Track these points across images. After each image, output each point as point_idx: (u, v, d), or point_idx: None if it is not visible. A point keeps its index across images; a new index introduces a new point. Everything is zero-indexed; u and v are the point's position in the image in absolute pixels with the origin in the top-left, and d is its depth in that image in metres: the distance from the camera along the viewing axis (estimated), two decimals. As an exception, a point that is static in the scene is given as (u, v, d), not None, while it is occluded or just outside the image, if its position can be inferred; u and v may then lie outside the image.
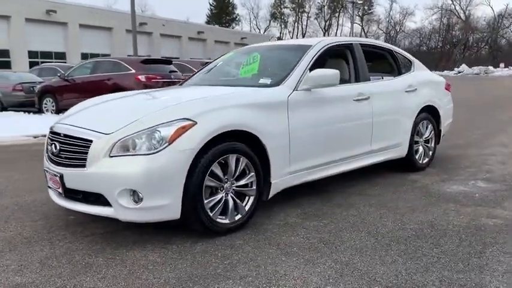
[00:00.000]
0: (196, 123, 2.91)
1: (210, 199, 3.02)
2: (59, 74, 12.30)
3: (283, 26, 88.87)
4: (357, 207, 3.76)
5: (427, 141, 5.11)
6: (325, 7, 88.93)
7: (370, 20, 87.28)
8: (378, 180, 4.64)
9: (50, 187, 3.33)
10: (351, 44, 4.39)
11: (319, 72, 3.66)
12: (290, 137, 3.47)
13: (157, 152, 2.78)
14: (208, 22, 76.49)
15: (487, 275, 2.49)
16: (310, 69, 3.75)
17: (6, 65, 25.46)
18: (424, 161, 5.07)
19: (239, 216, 3.20)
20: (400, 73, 4.90)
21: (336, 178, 4.57)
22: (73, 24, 29.36)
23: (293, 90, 3.60)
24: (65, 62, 24.99)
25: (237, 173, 3.15)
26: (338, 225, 3.33)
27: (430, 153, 5.16)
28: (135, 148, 2.83)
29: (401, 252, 2.81)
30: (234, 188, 3.17)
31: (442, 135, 5.49)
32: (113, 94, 4.15)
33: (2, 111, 13.59)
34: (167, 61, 11.94)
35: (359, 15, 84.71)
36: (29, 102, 13.60)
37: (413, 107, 4.77)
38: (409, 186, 4.43)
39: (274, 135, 3.35)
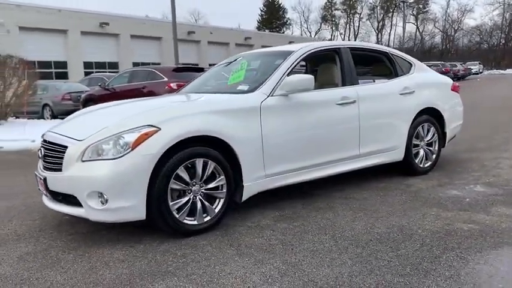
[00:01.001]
0: (159, 129, 3.09)
1: (177, 201, 3.19)
2: (99, 84, 13.04)
3: (334, 28, 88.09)
4: (335, 210, 3.78)
5: (429, 144, 4.99)
6: (378, 7, 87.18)
7: (425, 19, 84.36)
8: (371, 184, 4.60)
9: (40, 190, 3.65)
10: (338, 48, 4.41)
11: (294, 77, 3.73)
12: (263, 142, 3.57)
13: (121, 156, 2.99)
14: (258, 28, 77.37)
15: (429, 279, 2.47)
16: (290, 75, 3.83)
17: (64, 76, 27.21)
18: (426, 165, 4.96)
19: (208, 217, 3.34)
20: (397, 75, 4.84)
21: (328, 182, 4.60)
22: (124, 35, 30.86)
23: (268, 96, 3.69)
24: (117, 72, 26.32)
25: (205, 177, 3.30)
26: (307, 227, 3.38)
27: (433, 156, 5.03)
28: (103, 153, 3.05)
29: (354, 256, 2.82)
30: (203, 190, 3.32)
31: (450, 138, 5.33)
32: (107, 103, 4.44)
33: (52, 119, 14.60)
34: (199, 68, 12.30)
35: (413, 15, 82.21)
36: (76, 110, 14.47)
37: (409, 109, 4.69)
38: (400, 190, 4.36)
39: (245, 140, 3.46)
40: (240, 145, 3.43)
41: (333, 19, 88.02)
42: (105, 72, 24.81)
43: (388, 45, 77.16)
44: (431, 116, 4.95)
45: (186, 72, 11.72)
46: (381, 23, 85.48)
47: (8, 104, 11.74)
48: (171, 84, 10.97)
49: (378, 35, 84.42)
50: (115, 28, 30.15)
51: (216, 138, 3.32)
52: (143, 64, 28.34)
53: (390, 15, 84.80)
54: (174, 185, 3.15)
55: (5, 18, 24.25)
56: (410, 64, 5.03)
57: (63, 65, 28.01)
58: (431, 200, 3.98)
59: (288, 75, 3.87)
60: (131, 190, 3.00)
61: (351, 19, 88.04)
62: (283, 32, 78.80)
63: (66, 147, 3.19)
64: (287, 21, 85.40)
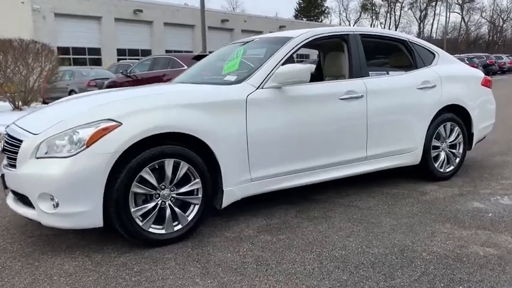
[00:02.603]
0: (121, 124, 2.69)
1: (142, 207, 2.80)
2: (121, 71, 12.87)
3: (374, 17, 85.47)
4: (331, 221, 3.29)
5: (452, 146, 4.39)
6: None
7: (471, 9, 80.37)
8: (380, 190, 4.06)
9: (3, 186, 3.34)
10: (346, 35, 3.86)
11: (286, 68, 3.25)
12: (249, 141, 3.12)
13: (74, 155, 2.62)
14: (296, 16, 76.06)
15: (422, 324, 1.97)
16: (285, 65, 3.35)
17: (98, 62, 27.50)
18: (447, 170, 4.36)
19: (179, 226, 2.93)
20: (416, 67, 4.24)
21: (332, 184, 4.10)
22: (158, 23, 30.85)
23: (257, 88, 3.23)
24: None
25: (176, 180, 2.89)
26: (292, 242, 2.92)
27: (456, 160, 4.41)
28: (56, 150, 2.69)
29: (336, 283, 2.34)
30: (174, 195, 2.91)
31: (478, 139, 4.69)
32: (88, 92, 4.09)
33: (78, 105, 14.62)
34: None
35: (458, 4, 78.46)
36: (101, 97, 14.43)
37: (429, 106, 4.10)
38: (413, 199, 3.80)
39: (226, 138, 3.02)
40: (220, 144, 2.99)
41: (373, 8, 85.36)
42: (137, 59, 24.82)
43: (431, 36, 74.18)
44: (455, 114, 4.33)
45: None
46: (424, 12, 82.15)
47: (31, 89, 11.73)
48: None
49: (419, 24, 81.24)
50: (149, 15, 30.16)
51: (190, 135, 2.90)
52: (176, 52, 28.25)
53: (433, 4, 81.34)
54: (137, 188, 2.75)
55: (41, 4, 24.63)
56: (433, 54, 4.41)
57: (96, 51, 28.30)
58: (447, 213, 3.41)
59: (284, 64, 3.38)
60: (85, 194, 2.62)
61: (392, 8, 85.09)
62: (321, 21, 77.19)
63: (21, 141, 2.85)
64: (325, 9, 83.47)
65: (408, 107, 3.97)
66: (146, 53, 30.53)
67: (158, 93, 3.07)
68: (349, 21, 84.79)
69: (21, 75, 11.20)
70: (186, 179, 2.94)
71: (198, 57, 11.40)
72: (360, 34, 3.94)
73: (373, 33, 4.10)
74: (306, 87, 3.44)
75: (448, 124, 4.29)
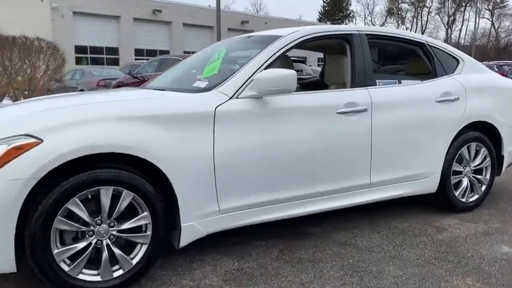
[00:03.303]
0: (41, 141, 2.09)
1: (69, 247, 2.19)
2: (127, 71, 12.42)
3: (400, 22, 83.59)
4: (320, 268, 2.61)
5: (477, 171, 3.65)
6: (449, 1, 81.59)
7: (502, 14, 77.72)
8: (388, 222, 3.36)
9: None
10: (350, 34, 3.18)
11: (268, 73, 2.59)
12: (216, 163, 2.48)
13: (-22, 181, 2.02)
14: (320, 19, 75.06)
15: None
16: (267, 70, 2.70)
17: (115, 62, 27.27)
18: (471, 199, 3.62)
19: (120, 271, 2.31)
20: (435, 75, 3.52)
21: (331, 213, 3.42)
22: (177, 23, 30.44)
23: (230, 98, 2.59)
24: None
25: (117, 213, 2.27)
26: (262, 299, 2.26)
27: (482, 188, 3.67)
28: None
29: None
30: (114, 232, 2.29)
31: (510, 163, 3.94)
32: (40, 97, 3.52)
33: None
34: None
35: (488, 9, 76.00)
36: (110, 97, 14.05)
37: (450, 123, 3.38)
38: (426, 237, 3.09)
39: (186, 160, 2.39)
40: (177, 167, 2.36)
41: (399, 12, 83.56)
42: (144, 59, 24.44)
43: (459, 42, 71.98)
44: (482, 132, 3.60)
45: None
46: (452, 17, 79.87)
47: (35, 89, 11.36)
48: (198, 76, 10.06)
49: (447, 30, 79.05)
50: (168, 16, 29.81)
51: (137, 157, 2.28)
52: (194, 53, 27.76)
53: (462, 9, 79.14)
54: (62, 224, 2.14)
55: (60, 2, 24.54)
56: (457, 60, 3.68)
57: (114, 51, 28.09)
58: (468, 261, 2.70)
59: (267, 68, 2.74)
60: (-11, 231, 2.02)
61: (418, 13, 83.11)
62: (346, 24, 75.99)
63: None
64: (350, 13, 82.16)
65: (424, 124, 3.26)
66: (164, 53, 30.23)
67: (100, 101, 2.46)
68: (374, 26, 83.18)
69: (26, 74, 10.83)
70: (130, 212, 2.32)
71: (206, 59, 10.86)
72: (367, 34, 3.25)
73: (382, 34, 3.40)
74: (294, 98, 2.78)
75: (473, 145, 3.56)
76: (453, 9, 79.55)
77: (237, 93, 2.62)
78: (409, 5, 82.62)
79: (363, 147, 3.00)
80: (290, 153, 2.72)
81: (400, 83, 3.31)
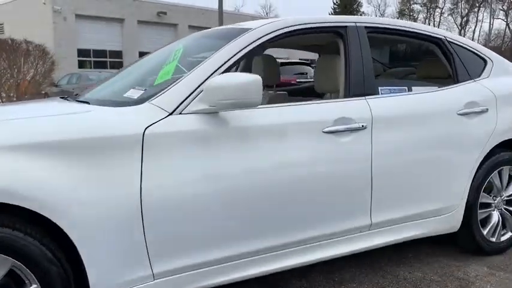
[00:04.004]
0: None
1: None
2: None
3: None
4: None
5: (511, 202, 2.86)
6: (462, 1, 79.95)
7: (517, 15, 75.93)
8: (396, 272, 2.58)
9: None
10: (343, 27, 2.40)
11: (222, 79, 1.84)
12: (145, 209, 1.74)
13: None
14: (330, 21, 73.89)
15: None
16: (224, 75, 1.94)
17: (119, 66, 26.69)
18: (503, 238, 2.83)
19: None
20: (457, 80, 2.73)
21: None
22: (182, 26, 29.78)
23: (169, 115, 1.85)
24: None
25: (-10, 286, 1.54)
26: None
27: (518, 223, 2.88)
28: None
29: None
30: (-12, 313, 1.56)
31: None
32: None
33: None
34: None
35: (503, 10, 74.23)
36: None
37: (476, 141, 2.60)
38: (447, 297, 2.31)
39: (95, 206, 1.65)
40: (81, 217, 1.63)
41: (411, 14, 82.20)
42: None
43: (472, 43, 70.03)
44: (517, 153, 2.81)
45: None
46: (465, 18, 78.22)
47: (25, 92, 10.76)
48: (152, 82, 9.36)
49: (460, 31, 77.31)
50: (173, 18, 29.19)
51: (16, 206, 1.54)
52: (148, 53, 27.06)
53: (476, 10, 77.52)
54: None
55: (62, 5, 24.08)
56: (484, 61, 2.87)
57: (118, 54, 27.53)
58: None
59: (227, 71, 1.99)
60: None
61: (431, 14, 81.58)
62: (355, 27, 74.71)
63: None
64: (361, 14, 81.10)
65: (442, 144, 2.49)
66: (170, 56, 29.62)
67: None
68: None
69: (13, 77, 10.25)
70: (14, 283, 1.59)
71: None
72: (366, 27, 2.47)
73: (387, 26, 2.60)
74: (265, 113, 2.03)
75: (506, 169, 2.78)
76: (466, 10, 77.84)
77: (180, 108, 1.88)
78: (421, 6, 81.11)
79: (360, 177, 2.23)
80: (257, 189, 1.96)
81: (410, 90, 2.52)
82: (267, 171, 1.97)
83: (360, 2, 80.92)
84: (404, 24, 2.70)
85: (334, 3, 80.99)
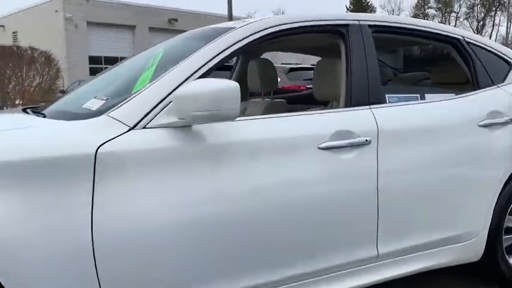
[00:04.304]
0: None
1: None
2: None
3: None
4: None
5: (541, 225, 2.49)
6: (478, 5, 78.79)
7: (534, 19, 74.52)
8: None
9: None
10: (344, 25, 2.08)
11: (193, 87, 1.54)
12: (97, 248, 1.42)
13: None
14: (343, 27, 73.47)
15: None
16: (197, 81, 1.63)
17: (130, 72, 26.73)
18: (532, 268, 2.46)
19: None
20: (477, 86, 2.38)
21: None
22: (194, 32, 29.83)
23: (130, 129, 1.54)
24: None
25: None
26: None
27: (549, 250, 2.50)
28: None
29: None
30: None
31: None
32: None
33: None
34: (228, 67, 10.32)
35: (520, 14, 72.95)
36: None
37: (501, 157, 2.24)
38: None
39: (32, 246, 1.35)
40: (13, 262, 1.32)
41: (426, 19, 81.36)
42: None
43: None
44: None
45: (224, 71, 9.73)
46: (481, 22, 77.04)
47: (30, 99, 10.62)
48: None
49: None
50: (184, 25, 29.07)
51: None
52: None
53: (492, 14, 76.34)
54: None
55: (74, 13, 24.17)
56: (509, 64, 2.51)
57: (129, 61, 27.63)
58: None
59: (203, 77, 1.69)
60: None
61: (446, 18, 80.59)
62: (369, 32, 74.16)
63: None
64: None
65: (460, 161, 2.14)
66: (181, 63, 29.54)
67: None
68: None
69: (18, 84, 10.11)
70: None
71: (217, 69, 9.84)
72: (371, 25, 2.14)
73: (395, 25, 2.26)
74: (248, 127, 1.72)
75: (535, 188, 2.41)
76: (482, 13, 76.62)
77: (144, 121, 1.57)
78: (436, 11, 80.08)
79: (364, 201, 1.90)
80: (236, 220, 1.64)
81: (423, 98, 2.18)
82: (249, 198, 1.65)
83: (373, 7, 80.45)
84: (416, 22, 2.36)
85: (347, 9, 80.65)
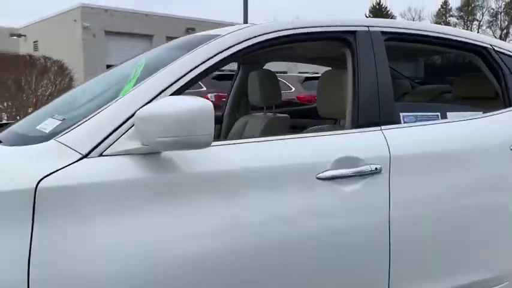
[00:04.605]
0: None
1: None
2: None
3: (447, 37, 79.61)
4: None
5: None
6: (502, 14, 77.24)
7: (560, 26, 72.63)
8: None
9: None
10: (351, 32, 1.77)
11: (158, 107, 1.25)
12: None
13: None
14: (362, 36, 72.86)
15: None
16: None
17: (148, 81, 26.79)
18: None
19: None
20: (509, 103, 2.04)
21: None
22: (211, 41, 29.80)
23: (83, 157, 1.27)
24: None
25: None
26: None
27: None
28: None
29: None
30: None
31: None
32: None
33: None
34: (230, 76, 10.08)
35: (545, 21, 71.18)
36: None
37: (539, 187, 1.90)
38: None
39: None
40: None
41: (447, 27, 79.97)
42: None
43: (512, 56, 66.96)
44: None
45: (229, 80, 9.53)
46: (505, 31, 75.52)
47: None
48: (209, 95, 8.90)
49: (499, 44, 74.42)
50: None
51: None
52: (231, 72, 26.85)
53: (516, 22, 74.71)
54: None
55: (92, 22, 24.39)
56: (547, 76, 2.18)
57: (147, 70, 27.73)
58: None
59: (178, 93, 1.41)
60: None
61: (468, 27, 79.23)
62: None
63: None
64: (394, 29, 79.40)
65: (489, 191, 1.81)
66: (198, 72, 29.51)
67: None
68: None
69: (32, 93, 10.05)
70: None
71: (219, 77, 9.63)
72: (384, 32, 1.84)
73: (412, 32, 1.95)
74: (229, 154, 1.43)
75: None
76: (506, 22, 75.16)
77: (100, 147, 1.29)
78: (457, 19, 78.80)
79: (373, 240, 1.58)
80: (214, 264, 1.34)
81: (444, 116, 1.86)
82: (227, 240, 1.36)
83: (393, 15, 79.72)
84: (435, 28, 2.04)
85: (366, 17, 79.98)
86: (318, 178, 1.49)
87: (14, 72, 9.84)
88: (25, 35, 28.44)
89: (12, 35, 27.65)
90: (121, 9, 26.16)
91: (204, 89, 9.10)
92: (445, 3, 74.45)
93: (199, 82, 9.58)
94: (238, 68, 3.01)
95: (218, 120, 2.96)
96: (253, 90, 2.53)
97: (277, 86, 2.64)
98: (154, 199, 1.29)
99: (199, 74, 1.48)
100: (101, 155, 1.29)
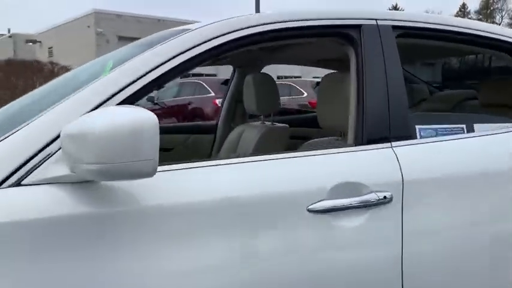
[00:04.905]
0: None
1: None
2: (147, 97, 11.22)
3: (466, 40, 78.39)
4: None
5: None
6: (522, 16, 75.63)
7: None
8: None
9: None
10: (355, 26, 1.43)
11: (79, 123, 0.94)
12: None
13: None
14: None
15: None
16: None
17: (159, 86, 26.78)
18: None
19: None
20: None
21: None
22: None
23: (-7, 189, 0.96)
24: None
25: None
26: None
27: None
28: None
29: None
30: None
31: None
32: None
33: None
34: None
35: None
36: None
37: None
38: None
39: None
40: None
41: (465, 30, 78.72)
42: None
43: (532, 60, 65.20)
44: None
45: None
46: (525, 33, 74.01)
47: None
48: (217, 101, 8.62)
49: (519, 47, 72.94)
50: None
51: None
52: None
53: (537, 24, 73.17)
54: None
55: (105, 27, 24.45)
56: None
57: (160, 74, 27.74)
58: None
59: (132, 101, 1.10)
60: None
61: (486, 30, 77.75)
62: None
63: None
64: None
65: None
66: (211, 77, 29.42)
67: None
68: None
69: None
70: None
71: (227, 82, 9.38)
72: (394, 27, 1.49)
73: (430, 26, 1.58)
74: (192, 183, 1.10)
75: None
76: (526, 24, 73.67)
77: (17, 174, 0.98)
78: (475, 22, 77.47)
79: (382, 285, 1.25)
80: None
81: (470, 130, 1.50)
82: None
83: (409, 19, 78.60)
84: (460, 23, 1.68)
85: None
86: (309, 211, 1.16)
87: (23, 76, 9.78)
88: (40, 41, 28.67)
89: (28, 41, 27.92)
90: (134, 14, 26.19)
91: (212, 94, 8.82)
92: (464, 6, 73.30)
93: (207, 87, 9.32)
94: (234, 71, 2.70)
95: (212, 129, 2.66)
96: (249, 96, 2.22)
97: (275, 92, 2.31)
98: (85, 241, 0.98)
99: (154, 79, 1.17)
100: (19, 184, 0.98)
